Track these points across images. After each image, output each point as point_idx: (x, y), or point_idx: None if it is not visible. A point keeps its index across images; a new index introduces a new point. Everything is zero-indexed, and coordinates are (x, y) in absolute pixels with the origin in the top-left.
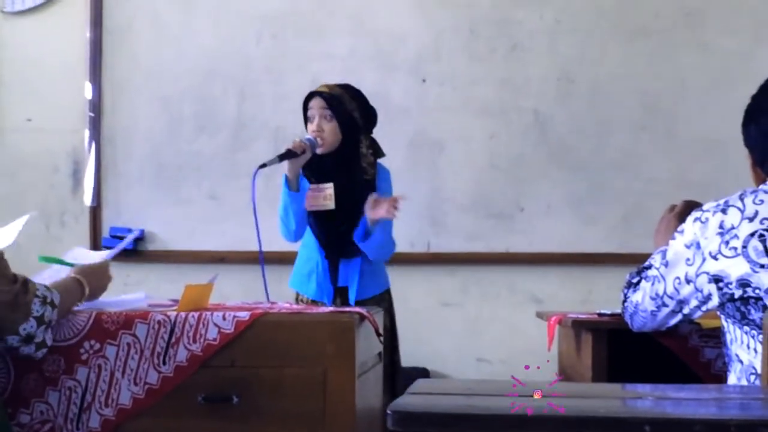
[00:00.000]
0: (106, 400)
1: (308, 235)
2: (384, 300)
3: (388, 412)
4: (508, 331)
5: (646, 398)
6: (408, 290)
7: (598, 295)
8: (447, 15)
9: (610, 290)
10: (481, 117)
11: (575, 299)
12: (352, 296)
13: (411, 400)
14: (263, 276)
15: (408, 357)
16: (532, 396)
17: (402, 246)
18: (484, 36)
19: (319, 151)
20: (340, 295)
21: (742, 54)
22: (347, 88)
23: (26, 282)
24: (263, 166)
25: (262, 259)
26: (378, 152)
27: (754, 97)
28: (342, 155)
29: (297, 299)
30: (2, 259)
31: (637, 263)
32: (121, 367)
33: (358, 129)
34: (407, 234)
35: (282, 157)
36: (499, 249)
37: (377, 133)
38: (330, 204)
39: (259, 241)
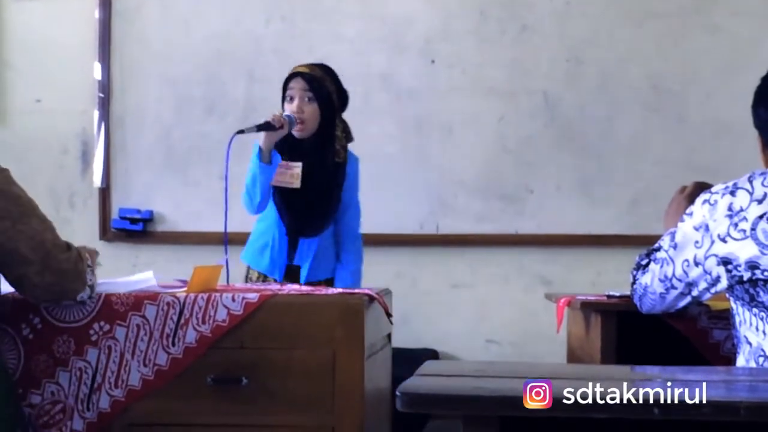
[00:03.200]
0: (116, 382)
1: (269, 209)
2: (331, 285)
3: (397, 393)
4: (517, 313)
5: (656, 380)
6: (417, 272)
7: (606, 277)
8: None
9: (619, 272)
10: (490, 99)
11: (584, 281)
12: (303, 275)
13: (420, 381)
14: (226, 251)
15: (417, 339)
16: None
17: (411, 228)
18: (494, 18)
19: (297, 134)
20: (291, 273)
21: (752, 37)
22: (326, 69)
23: (79, 249)
24: (240, 132)
25: (226, 228)
26: (349, 136)
27: (764, 79)
28: (318, 136)
29: (247, 274)
30: (53, 228)
31: (646, 245)
32: (131, 349)
33: (335, 111)
34: (416, 216)
35: (260, 127)
36: (509, 231)
37: (387, 115)
38: (296, 183)
39: (226, 211)
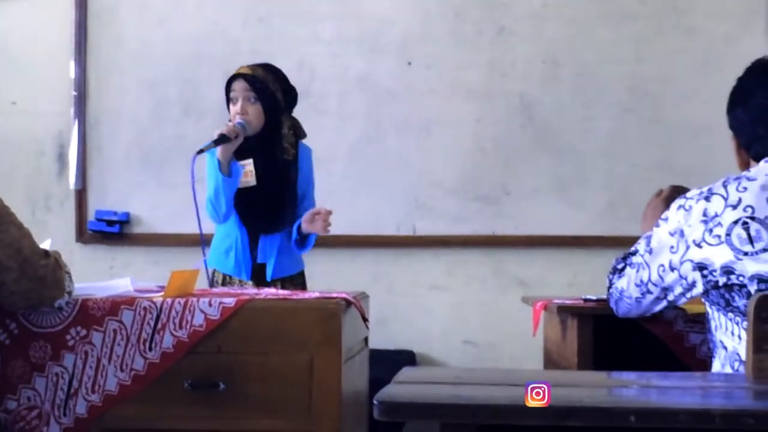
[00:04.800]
0: (92, 387)
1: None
2: (298, 281)
3: (375, 402)
4: (494, 314)
5: (632, 387)
6: (394, 273)
7: (583, 277)
8: None
9: (596, 273)
10: (467, 100)
11: (561, 282)
12: (269, 273)
13: (397, 389)
14: (204, 263)
15: (395, 340)
16: (518, 385)
17: (388, 229)
18: (471, 19)
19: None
20: (256, 272)
21: (729, 39)
22: (270, 69)
23: (56, 256)
24: (200, 152)
25: (203, 242)
26: (299, 133)
27: (740, 80)
28: (263, 136)
29: (213, 277)
30: (30, 235)
31: (622, 246)
32: (108, 354)
33: (280, 110)
34: (393, 217)
35: (217, 142)
36: (486, 232)
37: (365, 117)
38: (251, 180)
39: (200, 225)
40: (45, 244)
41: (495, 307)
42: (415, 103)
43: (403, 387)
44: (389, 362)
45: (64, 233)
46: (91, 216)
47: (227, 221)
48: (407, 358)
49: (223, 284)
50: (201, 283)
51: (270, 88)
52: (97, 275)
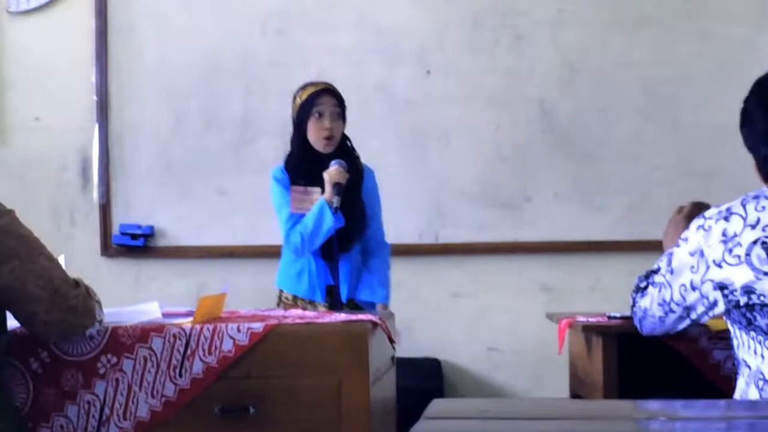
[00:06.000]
0: (124, 413)
1: None
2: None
3: None
4: (518, 320)
5: (658, 418)
6: (418, 281)
7: (606, 282)
8: (450, 7)
9: (618, 277)
10: (486, 108)
11: (584, 287)
12: (343, 294)
13: (427, 426)
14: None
15: (419, 348)
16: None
17: (410, 238)
18: (488, 27)
19: (325, 150)
20: (330, 293)
21: (744, 41)
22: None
23: (87, 286)
24: (337, 209)
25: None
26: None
27: (746, 101)
28: (338, 152)
29: (280, 298)
30: (60, 266)
31: (644, 250)
32: (138, 381)
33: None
34: (416, 226)
35: (339, 193)
36: (507, 239)
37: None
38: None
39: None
40: (59, 260)
41: (519, 314)
42: (435, 111)
43: (432, 423)
44: (414, 370)
45: (89, 247)
46: (115, 230)
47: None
48: (432, 366)
49: (294, 305)
50: (266, 302)
51: (345, 105)
52: (123, 289)
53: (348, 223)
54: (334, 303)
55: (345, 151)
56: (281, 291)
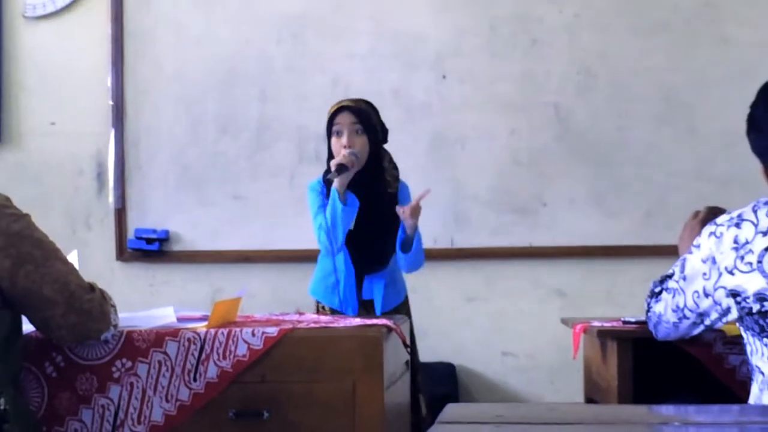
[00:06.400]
0: (138, 418)
1: None
2: (405, 307)
3: None
4: (533, 325)
5: (672, 423)
6: (432, 286)
7: (621, 287)
8: (466, 12)
9: (634, 283)
10: (502, 113)
11: (600, 292)
12: (377, 308)
13: (441, 431)
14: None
15: (434, 352)
16: (558, 424)
17: (426, 242)
18: (504, 32)
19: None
20: (364, 307)
21: (762, 46)
22: (368, 103)
23: (102, 290)
24: (329, 181)
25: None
26: (395, 166)
27: (752, 106)
28: (368, 170)
29: (317, 308)
30: (76, 270)
31: (660, 256)
32: (153, 385)
33: (380, 143)
34: (431, 230)
35: (339, 171)
36: (523, 244)
37: (400, 131)
38: (350, 224)
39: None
40: (71, 256)
41: (534, 318)
42: (450, 116)
43: (447, 428)
44: (429, 375)
45: (104, 252)
46: (130, 234)
47: (327, 254)
48: (447, 370)
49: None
50: (281, 307)
51: (373, 119)
52: (138, 293)
53: (380, 242)
54: (368, 317)
55: (373, 170)
56: (318, 302)
